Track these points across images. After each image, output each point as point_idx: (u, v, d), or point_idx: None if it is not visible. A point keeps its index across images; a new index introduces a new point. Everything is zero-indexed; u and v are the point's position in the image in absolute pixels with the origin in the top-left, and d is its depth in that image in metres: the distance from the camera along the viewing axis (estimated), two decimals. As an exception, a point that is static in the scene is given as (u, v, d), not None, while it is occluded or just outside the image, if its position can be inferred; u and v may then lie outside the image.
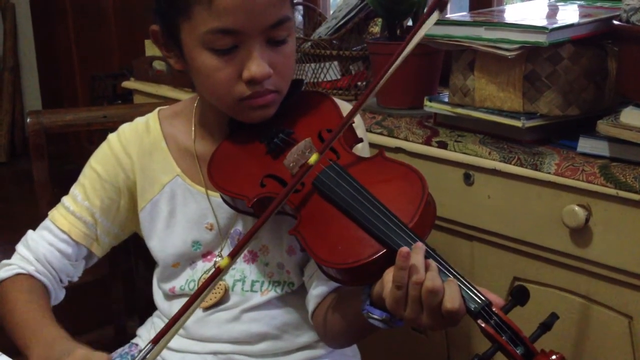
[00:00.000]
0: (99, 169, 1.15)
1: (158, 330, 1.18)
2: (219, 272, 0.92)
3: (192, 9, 0.97)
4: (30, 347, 0.99)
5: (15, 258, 1.14)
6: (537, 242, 1.27)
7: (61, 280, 1.15)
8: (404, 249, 0.84)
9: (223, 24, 0.96)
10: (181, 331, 1.16)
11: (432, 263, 0.86)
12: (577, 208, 1.17)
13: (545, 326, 0.84)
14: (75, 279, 1.17)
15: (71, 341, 0.98)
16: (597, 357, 1.25)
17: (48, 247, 1.13)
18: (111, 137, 1.17)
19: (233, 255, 0.93)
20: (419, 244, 0.86)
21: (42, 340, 0.99)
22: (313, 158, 0.96)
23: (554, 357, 0.81)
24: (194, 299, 0.92)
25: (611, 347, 1.23)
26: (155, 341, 0.91)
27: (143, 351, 0.90)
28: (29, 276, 1.11)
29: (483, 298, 0.84)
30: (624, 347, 1.21)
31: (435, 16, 0.99)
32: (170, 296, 1.18)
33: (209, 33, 0.97)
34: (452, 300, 0.83)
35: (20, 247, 1.14)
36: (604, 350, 1.24)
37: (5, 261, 1.14)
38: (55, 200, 1.19)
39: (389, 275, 0.87)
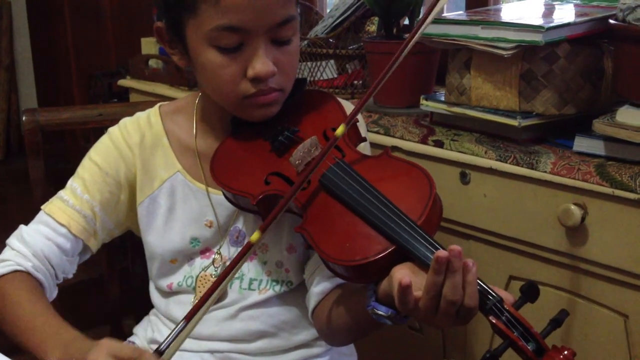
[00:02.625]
0: (100, 161, 1.13)
1: (155, 328, 1.20)
2: (249, 247, 0.93)
3: (198, 6, 0.97)
4: (46, 350, 0.97)
5: (9, 253, 1.10)
6: (533, 240, 1.27)
7: (57, 277, 1.12)
8: (442, 252, 0.82)
9: (229, 22, 0.97)
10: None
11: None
12: (573, 207, 1.18)
13: (556, 322, 0.84)
14: (70, 276, 1.15)
15: (88, 340, 0.96)
16: (593, 355, 1.25)
17: (46, 241, 1.10)
18: (112, 130, 1.16)
19: (263, 230, 0.93)
20: (457, 247, 0.83)
21: (59, 342, 0.97)
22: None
23: (565, 352, 0.81)
24: (222, 277, 0.91)
25: (607, 346, 1.23)
26: (188, 318, 0.90)
27: (176, 329, 0.89)
28: (27, 274, 1.08)
29: (494, 294, 0.84)
30: (620, 346, 1.22)
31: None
32: (167, 293, 1.17)
33: (215, 30, 0.98)
34: (470, 297, 0.83)
35: (14, 242, 1.11)
36: (600, 348, 1.24)
37: None
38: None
39: (397, 272, 0.87)
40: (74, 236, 1.12)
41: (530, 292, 0.85)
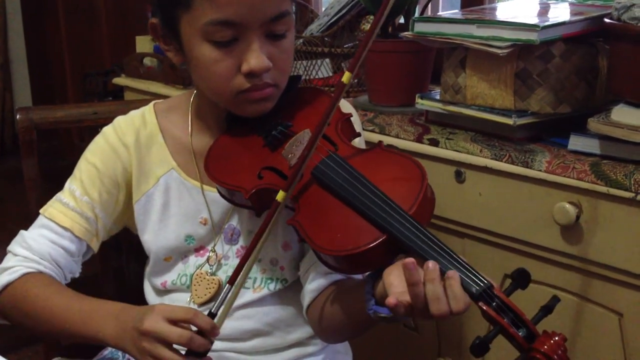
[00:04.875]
0: (97, 162, 1.13)
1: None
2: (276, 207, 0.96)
3: (192, 1, 0.97)
4: (97, 326, 0.99)
5: (14, 260, 1.10)
6: (528, 239, 1.27)
7: (65, 278, 1.13)
8: (409, 260, 0.84)
9: (223, 16, 0.96)
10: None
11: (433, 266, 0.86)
12: (567, 205, 1.18)
13: (547, 309, 0.84)
14: (77, 275, 1.16)
15: (137, 307, 0.98)
16: (588, 354, 1.25)
17: (52, 245, 1.10)
18: (106, 129, 1.16)
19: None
20: (410, 260, 0.85)
21: (108, 315, 0.99)
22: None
23: (556, 337, 0.81)
24: (259, 236, 0.96)
25: (602, 344, 1.24)
26: (232, 281, 0.95)
27: (223, 293, 0.95)
28: (39, 273, 1.09)
29: (485, 281, 0.84)
30: (615, 344, 1.22)
31: None
32: (161, 291, 1.17)
33: (209, 25, 0.97)
34: (456, 301, 0.83)
35: (18, 249, 1.11)
36: (595, 347, 1.25)
37: (1, 266, 1.10)
38: (45, 197, 1.18)
39: (389, 278, 0.87)
40: (78, 238, 1.12)
41: (521, 278, 0.85)
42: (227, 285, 0.95)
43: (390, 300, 0.84)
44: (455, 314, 0.84)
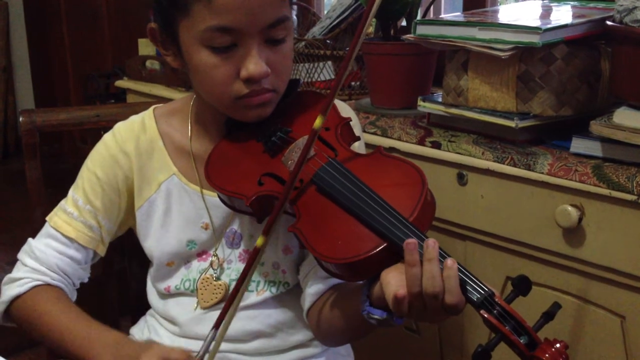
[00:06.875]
0: (98, 171, 1.14)
1: (152, 329, 1.20)
2: (256, 254, 0.97)
3: (191, 7, 0.97)
4: (95, 354, 1.01)
5: (23, 270, 1.12)
6: (530, 241, 1.27)
7: (74, 284, 1.16)
8: (411, 240, 0.85)
9: (222, 22, 0.97)
10: (176, 329, 1.16)
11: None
12: (570, 208, 1.18)
13: (548, 315, 0.84)
14: (86, 280, 1.18)
15: (135, 342, 1.01)
16: (590, 356, 1.25)
17: (59, 256, 1.12)
18: (107, 137, 1.16)
19: (266, 233, 0.97)
20: (431, 240, 0.85)
21: (107, 345, 1.01)
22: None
23: (557, 345, 0.81)
24: (238, 286, 0.98)
25: (604, 347, 1.23)
26: (217, 326, 0.98)
27: (209, 337, 0.97)
28: (48, 286, 1.11)
29: (486, 289, 0.84)
30: (617, 347, 1.22)
31: None
32: (165, 295, 1.18)
33: (208, 31, 0.98)
34: (451, 295, 0.83)
35: (26, 259, 1.13)
36: (597, 349, 1.24)
37: (12, 276, 1.13)
38: (48, 200, 1.18)
39: (387, 277, 0.87)
40: (84, 247, 1.14)
41: (522, 285, 0.85)
42: (213, 329, 0.97)
43: (400, 292, 0.84)
44: (448, 307, 0.84)
